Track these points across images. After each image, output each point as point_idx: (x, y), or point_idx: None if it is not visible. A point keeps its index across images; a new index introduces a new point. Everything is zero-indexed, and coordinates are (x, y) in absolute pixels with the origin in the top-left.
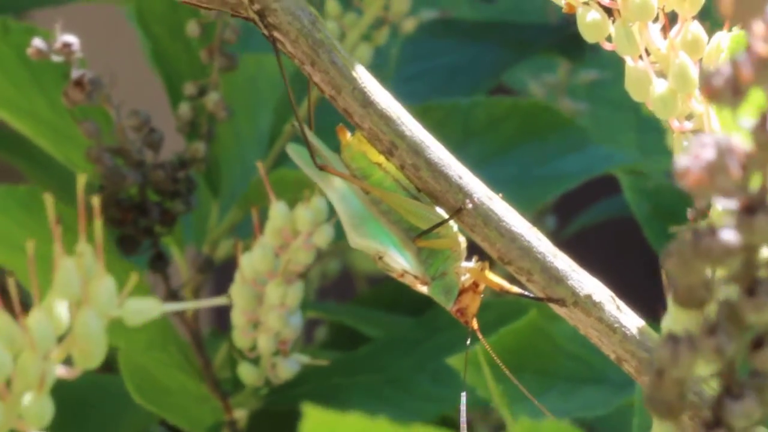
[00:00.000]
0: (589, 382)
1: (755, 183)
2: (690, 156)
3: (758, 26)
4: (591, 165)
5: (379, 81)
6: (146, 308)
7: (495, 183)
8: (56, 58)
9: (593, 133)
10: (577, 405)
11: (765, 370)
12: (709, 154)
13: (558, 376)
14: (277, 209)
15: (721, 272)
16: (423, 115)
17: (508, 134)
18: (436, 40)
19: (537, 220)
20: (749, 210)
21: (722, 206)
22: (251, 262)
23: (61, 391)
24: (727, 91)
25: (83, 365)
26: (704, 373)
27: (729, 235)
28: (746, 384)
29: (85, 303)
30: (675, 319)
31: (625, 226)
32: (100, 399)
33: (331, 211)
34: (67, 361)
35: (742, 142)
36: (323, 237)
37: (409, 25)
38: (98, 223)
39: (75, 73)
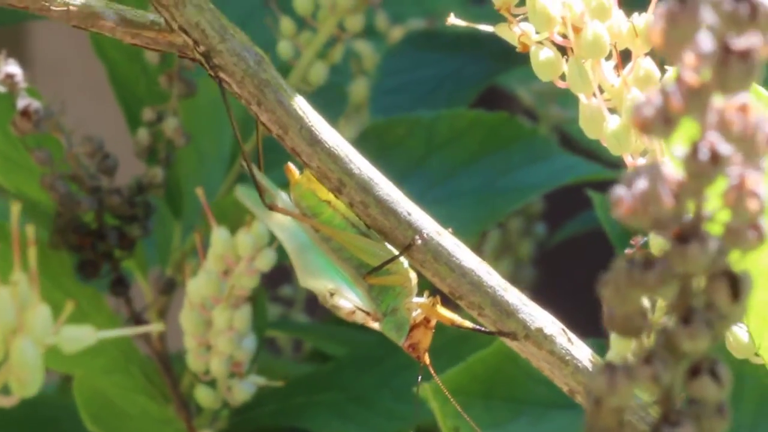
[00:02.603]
0: (558, 407)
1: (689, 211)
2: (623, 185)
3: (688, 56)
4: (555, 175)
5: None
6: (82, 336)
7: (459, 195)
8: (0, 89)
9: (585, 137)
10: (547, 430)
11: (701, 398)
12: (641, 183)
13: (527, 401)
14: (218, 235)
15: (658, 301)
16: (386, 130)
17: (472, 147)
18: (418, 51)
19: (526, 228)
20: (682, 239)
21: (656, 235)
22: (197, 288)
23: (34, 410)
24: (657, 121)
25: (20, 393)
26: (646, 400)
27: (663, 264)
28: (684, 412)
29: (21, 331)
30: (614, 347)
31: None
32: (74, 420)
33: (273, 236)
34: (4, 390)
35: (675, 171)
36: (265, 261)
37: (396, 34)
38: (32, 251)
39: (20, 103)
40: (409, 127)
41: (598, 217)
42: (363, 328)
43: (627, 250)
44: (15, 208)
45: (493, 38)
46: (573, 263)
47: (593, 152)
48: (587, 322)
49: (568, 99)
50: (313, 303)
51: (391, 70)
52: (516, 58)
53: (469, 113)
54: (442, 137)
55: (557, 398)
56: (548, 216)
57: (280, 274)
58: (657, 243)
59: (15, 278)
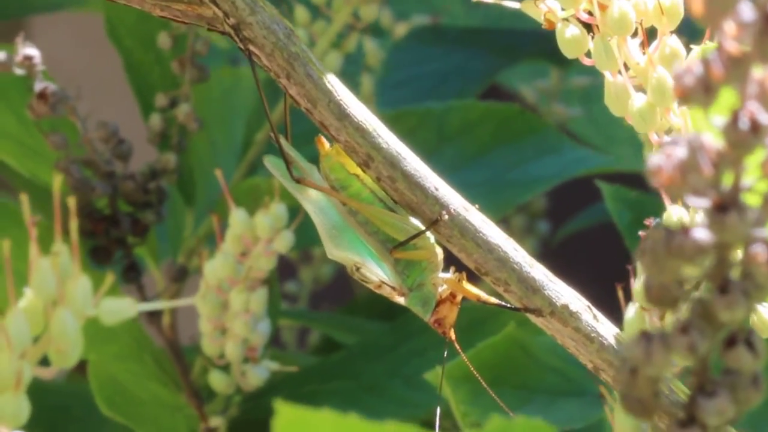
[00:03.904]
0: (568, 395)
1: (727, 181)
2: (662, 155)
3: (729, 25)
4: (565, 167)
5: (353, 89)
6: (122, 308)
7: (470, 187)
8: (18, 71)
9: (589, 133)
10: (557, 418)
11: (737, 368)
12: (681, 152)
13: (537, 389)
14: (237, 216)
15: (694, 270)
16: (397, 121)
17: (483, 138)
18: (424, 46)
19: (530, 225)
20: (721, 208)
21: (694, 205)
22: (213, 270)
23: (44, 397)
24: (698, 90)
25: (59, 365)
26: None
27: (701, 234)
28: (719, 382)
29: (61, 303)
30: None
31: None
32: (83, 407)
33: (292, 217)
34: (44, 361)
35: (714, 140)
36: (284, 243)
37: (400, 30)
38: (74, 223)
39: (38, 86)
40: (420, 118)
41: (608, 208)
42: (371, 317)
43: (641, 232)
44: (57, 179)
45: (497, 34)
46: (577, 259)
47: (596, 149)
48: None
49: (570, 96)
50: (317, 298)
51: (397, 64)
52: (520, 54)
53: (480, 105)
54: (454, 128)
55: (567, 386)
56: (551, 213)
57: (285, 269)
58: (672, 224)
59: (56, 249)
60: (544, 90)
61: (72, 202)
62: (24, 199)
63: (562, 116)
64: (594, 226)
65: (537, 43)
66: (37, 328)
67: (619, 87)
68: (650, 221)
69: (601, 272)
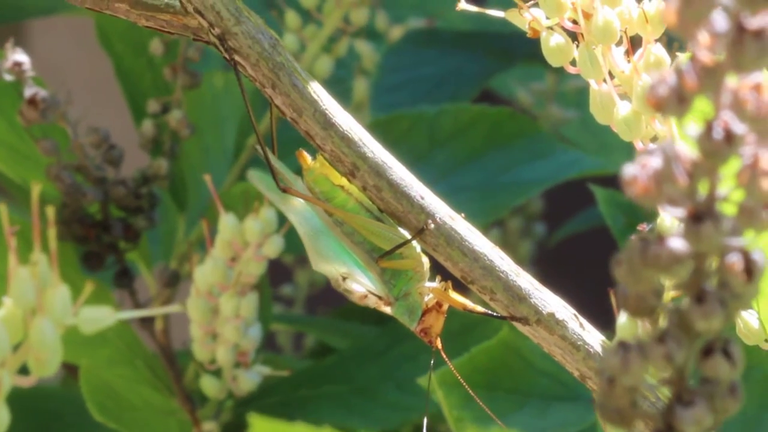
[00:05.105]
0: (562, 400)
1: (702, 191)
2: (637, 164)
3: (702, 35)
4: (557, 170)
5: (345, 93)
6: (101, 316)
7: (462, 190)
8: (8, 77)
9: (584, 141)
10: (551, 423)
11: (715, 377)
12: (655, 162)
13: (531, 394)
14: (226, 221)
15: (670, 280)
16: (389, 125)
17: (475, 142)
18: (419, 49)
19: (527, 227)
20: (696, 218)
21: (670, 214)
22: (204, 275)
23: (37, 402)
24: (672, 100)
25: (39, 373)
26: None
27: (677, 243)
28: (696, 391)
29: (40, 311)
30: (619, 335)
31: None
32: (77, 412)
33: (281, 222)
34: (23, 370)
35: (689, 150)
36: (273, 248)
37: (396, 34)
38: (52, 232)
39: (28, 92)
40: (413, 122)
41: (601, 212)
42: (365, 321)
43: (633, 236)
44: (36, 189)
45: (492, 37)
46: (573, 262)
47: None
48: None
49: (566, 101)
50: (313, 302)
51: (392, 67)
52: (515, 57)
53: (472, 108)
54: (446, 132)
55: (560, 391)
56: (547, 215)
57: (281, 273)
58: (663, 230)
59: (35, 258)
60: (540, 93)
61: (51, 210)
62: (3, 208)
63: (558, 119)
64: (590, 228)
65: (532, 46)
66: (16, 337)
67: (604, 95)
68: (643, 227)
69: (596, 275)
